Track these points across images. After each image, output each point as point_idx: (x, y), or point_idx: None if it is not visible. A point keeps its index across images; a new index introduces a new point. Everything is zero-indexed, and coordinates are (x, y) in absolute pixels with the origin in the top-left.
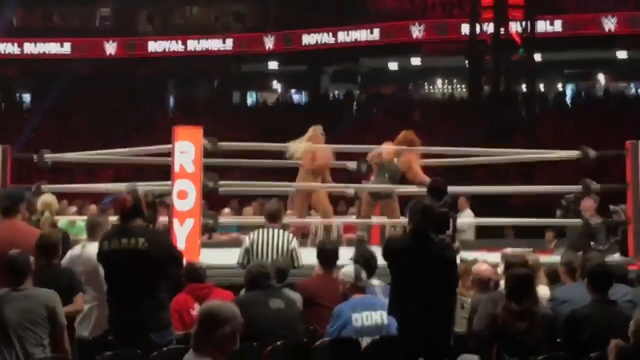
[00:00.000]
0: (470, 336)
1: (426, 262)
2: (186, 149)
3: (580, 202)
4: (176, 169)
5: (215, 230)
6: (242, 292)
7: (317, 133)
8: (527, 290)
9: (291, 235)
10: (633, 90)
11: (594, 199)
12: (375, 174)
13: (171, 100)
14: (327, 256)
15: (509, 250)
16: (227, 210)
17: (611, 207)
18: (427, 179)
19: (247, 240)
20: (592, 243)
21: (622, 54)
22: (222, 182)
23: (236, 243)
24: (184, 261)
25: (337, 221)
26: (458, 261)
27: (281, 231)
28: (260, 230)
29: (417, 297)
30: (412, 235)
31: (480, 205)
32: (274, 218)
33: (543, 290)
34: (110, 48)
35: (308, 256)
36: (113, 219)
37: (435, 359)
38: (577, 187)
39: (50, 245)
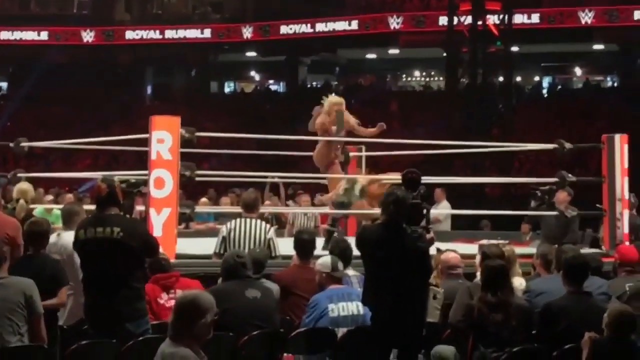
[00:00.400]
0: (446, 327)
1: (399, 254)
2: (163, 138)
3: (554, 193)
4: (153, 157)
5: (192, 219)
6: (219, 281)
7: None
8: (502, 281)
9: (268, 225)
10: (609, 83)
11: (568, 192)
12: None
13: (149, 89)
14: (304, 246)
15: (485, 241)
16: (203, 199)
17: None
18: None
19: (224, 229)
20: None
21: (598, 47)
22: (199, 172)
23: (213, 232)
24: (159, 246)
25: (315, 211)
26: (433, 252)
27: (258, 221)
28: (237, 219)
29: (390, 288)
30: (385, 226)
31: (457, 196)
32: (250, 208)
33: (518, 282)
34: (88, 36)
35: (286, 246)
36: (90, 207)
37: (409, 349)
38: (553, 179)
39: (41, 234)
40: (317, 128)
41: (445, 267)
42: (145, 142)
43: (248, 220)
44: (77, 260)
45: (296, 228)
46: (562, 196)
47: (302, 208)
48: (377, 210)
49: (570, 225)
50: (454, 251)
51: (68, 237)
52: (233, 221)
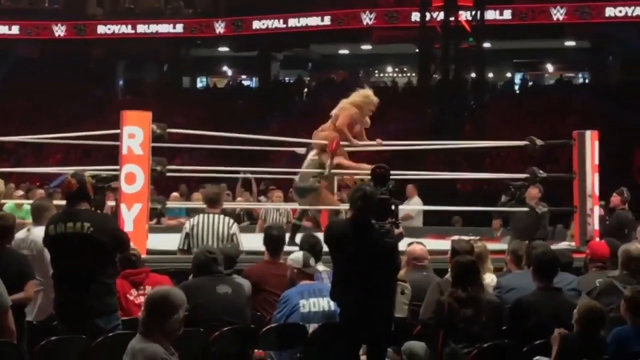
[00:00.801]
0: (416, 323)
1: (367, 249)
2: (134, 133)
3: (526, 189)
4: (124, 152)
5: (163, 215)
6: (190, 277)
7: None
8: (472, 277)
9: (231, 220)
10: (581, 80)
11: (539, 188)
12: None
13: (121, 84)
14: (273, 242)
15: (456, 237)
16: (174, 194)
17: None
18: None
19: (187, 225)
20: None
21: (570, 44)
22: (170, 167)
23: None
24: (129, 241)
25: (287, 207)
26: (403, 248)
27: (221, 216)
28: (200, 215)
29: (358, 284)
30: (353, 222)
31: (429, 192)
32: (213, 203)
33: (490, 278)
34: (59, 31)
35: (257, 242)
36: (61, 203)
37: (378, 344)
38: (524, 175)
39: (6, 228)
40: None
41: (411, 259)
42: (117, 137)
43: (211, 215)
44: (48, 255)
45: (268, 224)
46: (533, 192)
47: (274, 204)
48: (346, 206)
49: (541, 221)
50: (420, 243)
51: (38, 232)
52: (196, 217)
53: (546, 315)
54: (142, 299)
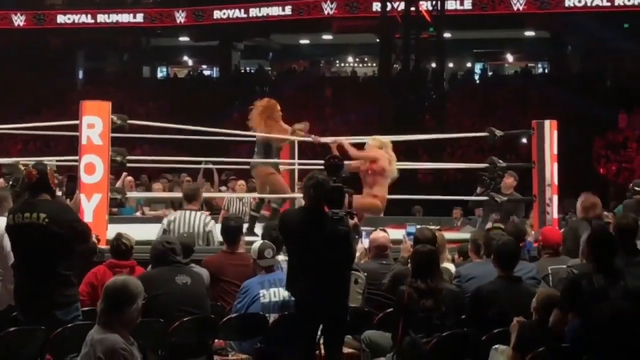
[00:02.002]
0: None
1: (319, 237)
2: (94, 123)
3: (501, 179)
4: (83, 142)
5: (123, 205)
6: (149, 268)
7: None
8: (432, 267)
9: (208, 217)
10: (540, 70)
11: (514, 176)
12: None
13: (81, 74)
14: (230, 232)
15: (413, 225)
16: (129, 178)
17: None
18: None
19: (165, 221)
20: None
21: (529, 34)
22: (130, 157)
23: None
24: (93, 236)
25: (250, 196)
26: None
27: (198, 213)
28: (179, 212)
29: (312, 272)
30: (306, 210)
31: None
32: (190, 199)
33: (448, 267)
34: (18, 20)
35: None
36: None
37: (334, 333)
38: (484, 165)
39: None
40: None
41: (374, 247)
42: (77, 128)
43: (188, 212)
44: (7, 246)
45: (231, 214)
46: (508, 181)
47: (236, 194)
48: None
49: (516, 211)
50: (384, 230)
51: None
52: (174, 213)
53: (506, 303)
54: None
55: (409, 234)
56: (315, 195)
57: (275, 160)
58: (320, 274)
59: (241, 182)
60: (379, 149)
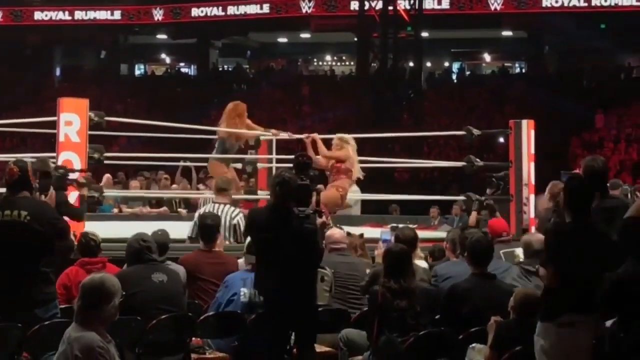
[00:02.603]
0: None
1: (286, 235)
2: (72, 120)
3: (509, 180)
4: (61, 139)
5: (101, 203)
6: (125, 266)
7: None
8: (404, 266)
9: (237, 210)
10: (517, 69)
11: None
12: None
13: (58, 71)
14: (206, 230)
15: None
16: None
17: None
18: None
19: (196, 215)
20: None
21: (507, 34)
22: (108, 154)
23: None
24: (71, 233)
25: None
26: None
27: (227, 206)
28: (209, 205)
29: (279, 270)
30: (273, 208)
31: (366, 180)
32: (221, 192)
33: (419, 264)
34: None
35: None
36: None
37: (304, 332)
38: (461, 164)
39: None
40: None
41: (329, 243)
42: (54, 125)
43: (217, 205)
44: None
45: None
46: None
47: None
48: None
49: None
50: (341, 228)
51: None
52: (205, 206)
53: (480, 301)
54: None
55: (384, 240)
56: (281, 193)
57: (233, 156)
58: (287, 273)
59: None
60: (342, 148)
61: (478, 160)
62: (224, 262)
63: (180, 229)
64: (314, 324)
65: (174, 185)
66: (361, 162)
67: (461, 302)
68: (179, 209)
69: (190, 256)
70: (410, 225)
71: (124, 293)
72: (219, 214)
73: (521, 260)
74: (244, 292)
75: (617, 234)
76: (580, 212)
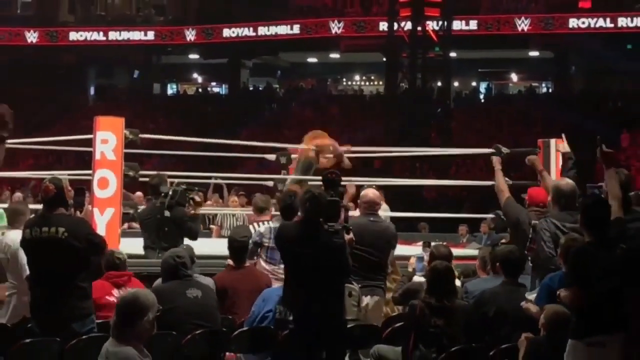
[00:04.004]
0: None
1: (315, 249)
2: (107, 139)
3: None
4: (97, 157)
5: (135, 219)
6: (159, 281)
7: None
8: (446, 284)
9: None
10: (544, 89)
11: None
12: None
13: (92, 90)
14: (235, 251)
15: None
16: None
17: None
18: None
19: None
20: None
21: (534, 54)
22: (142, 172)
23: None
24: (106, 244)
25: (243, 212)
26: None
27: (268, 223)
28: (250, 225)
29: (307, 286)
30: (302, 223)
31: (395, 199)
32: (260, 211)
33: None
34: (32, 37)
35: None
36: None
37: (333, 347)
38: (490, 183)
39: None
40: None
41: (363, 202)
42: (88, 142)
43: (256, 224)
44: (23, 258)
45: (224, 230)
46: None
47: (229, 209)
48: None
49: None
50: (374, 188)
51: (13, 235)
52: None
53: (507, 306)
54: None
55: (418, 258)
56: (311, 209)
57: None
58: (315, 287)
59: (234, 198)
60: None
61: (507, 179)
62: (256, 277)
63: (211, 246)
64: (343, 340)
65: (207, 202)
66: (390, 181)
67: (488, 305)
68: (210, 225)
69: (222, 274)
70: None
71: (160, 307)
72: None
73: None
74: (280, 309)
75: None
76: (598, 230)
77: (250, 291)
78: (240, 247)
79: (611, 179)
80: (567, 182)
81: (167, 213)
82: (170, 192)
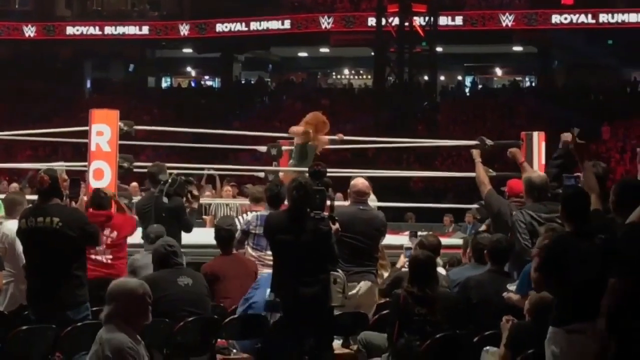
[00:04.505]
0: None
1: (302, 236)
2: (103, 131)
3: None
4: (92, 149)
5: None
6: (151, 270)
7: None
8: (428, 274)
9: (248, 215)
10: (528, 83)
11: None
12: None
13: (88, 83)
14: (222, 241)
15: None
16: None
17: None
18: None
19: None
20: None
21: (518, 49)
22: (137, 163)
23: None
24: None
25: (237, 202)
26: None
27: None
28: (252, 214)
29: (294, 273)
30: (289, 211)
31: (382, 189)
32: (256, 201)
33: (439, 271)
34: (29, 31)
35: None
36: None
37: (320, 334)
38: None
39: None
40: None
41: (352, 192)
42: (85, 134)
43: (254, 213)
44: (19, 247)
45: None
46: None
47: (223, 199)
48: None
49: None
50: (366, 178)
51: (10, 225)
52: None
53: (492, 293)
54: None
55: (406, 249)
56: (298, 196)
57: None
58: (302, 274)
59: (227, 187)
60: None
61: (491, 170)
62: (244, 263)
63: (203, 235)
64: (329, 326)
65: (207, 193)
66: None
67: (473, 291)
68: (203, 216)
69: (211, 262)
70: (426, 233)
71: (150, 296)
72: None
73: None
74: (270, 294)
75: (619, 240)
76: (578, 220)
77: (239, 276)
78: (227, 236)
79: (587, 172)
80: (539, 174)
81: (165, 200)
82: (170, 180)
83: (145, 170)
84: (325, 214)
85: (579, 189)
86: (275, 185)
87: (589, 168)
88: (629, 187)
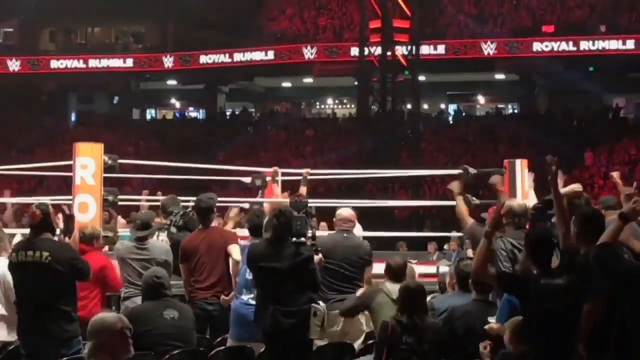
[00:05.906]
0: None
1: (281, 262)
2: (87, 164)
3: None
4: (77, 182)
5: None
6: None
7: None
8: (417, 303)
9: None
10: (510, 110)
11: None
12: None
13: (73, 116)
14: (202, 213)
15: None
16: (122, 221)
17: None
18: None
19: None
20: None
21: (500, 76)
22: (122, 196)
23: None
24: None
25: None
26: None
27: None
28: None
29: (275, 299)
30: (270, 239)
31: (368, 218)
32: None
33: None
34: (14, 65)
35: None
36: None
37: None
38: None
39: None
40: None
41: (338, 220)
42: (69, 167)
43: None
44: (8, 282)
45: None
46: None
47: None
48: None
49: None
50: (352, 208)
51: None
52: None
53: (478, 323)
54: None
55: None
56: (278, 224)
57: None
58: (283, 302)
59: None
60: None
61: (474, 198)
62: (219, 234)
63: None
64: (309, 357)
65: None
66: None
67: (459, 322)
68: None
69: (189, 237)
70: (412, 260)
71: (130, 328)
72: None
73: None
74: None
75: (591, 262)
76: (542, 264)
77: (210, 249)
78: (206, 208)
79: (559, 206)
80: (519, 202)
81: (173, 230)
82: (182, 213)
83: (129, 202)
84: (306, 241)
85: (543, 233)
86: (256, 216)
87: (560, 202)
88: (588, 217)
